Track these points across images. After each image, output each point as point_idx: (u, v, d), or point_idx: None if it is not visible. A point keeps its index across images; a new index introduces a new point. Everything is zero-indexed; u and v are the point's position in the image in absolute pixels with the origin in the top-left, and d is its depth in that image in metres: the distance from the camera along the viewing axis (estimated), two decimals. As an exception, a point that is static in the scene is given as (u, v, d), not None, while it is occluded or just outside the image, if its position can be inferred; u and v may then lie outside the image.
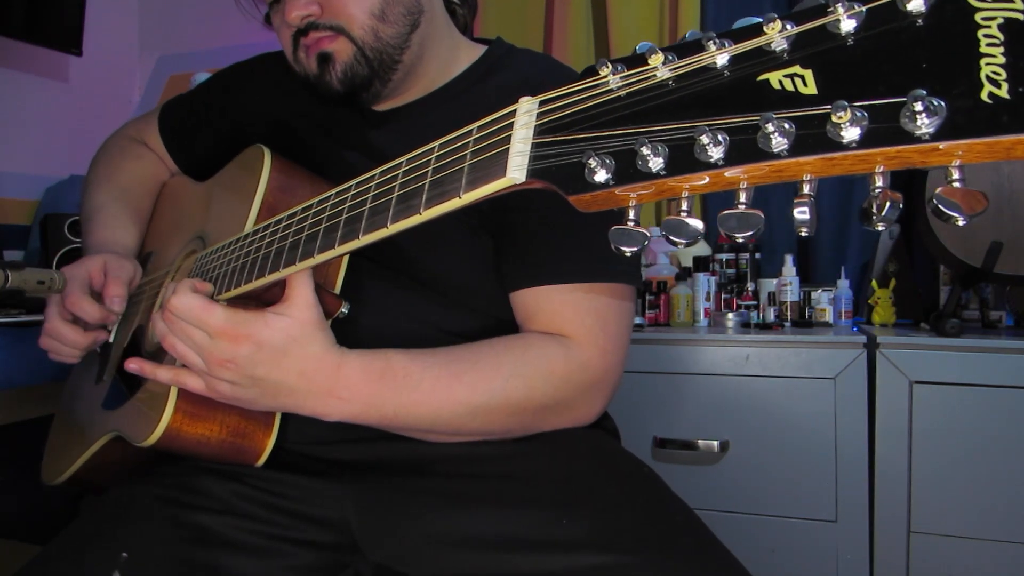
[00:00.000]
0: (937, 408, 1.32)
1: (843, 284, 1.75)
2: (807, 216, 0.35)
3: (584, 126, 0.43)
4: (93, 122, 2.26)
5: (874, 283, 1.72)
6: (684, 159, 0.37)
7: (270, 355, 0.71)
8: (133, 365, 0.78)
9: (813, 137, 0.33)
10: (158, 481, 0.84)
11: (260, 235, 0.74)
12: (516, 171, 0.45)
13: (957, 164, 0.31)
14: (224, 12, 1.53)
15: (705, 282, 1.78)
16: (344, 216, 0.61)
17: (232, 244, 0.78)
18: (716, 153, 0.35)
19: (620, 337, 0.84)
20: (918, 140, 0.30)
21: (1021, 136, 0.29)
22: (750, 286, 1.82)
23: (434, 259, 0.86)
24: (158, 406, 0.78)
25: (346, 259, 0.83)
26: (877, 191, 0.33)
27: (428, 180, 0.53)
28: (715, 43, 0.37)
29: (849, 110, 0.31)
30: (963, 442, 1.31)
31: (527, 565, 0.70)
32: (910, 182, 1.59)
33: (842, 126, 0.32)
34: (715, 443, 1.46)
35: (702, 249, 1.90)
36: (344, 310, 0.78)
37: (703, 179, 0.37)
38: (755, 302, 1.78)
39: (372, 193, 0.59)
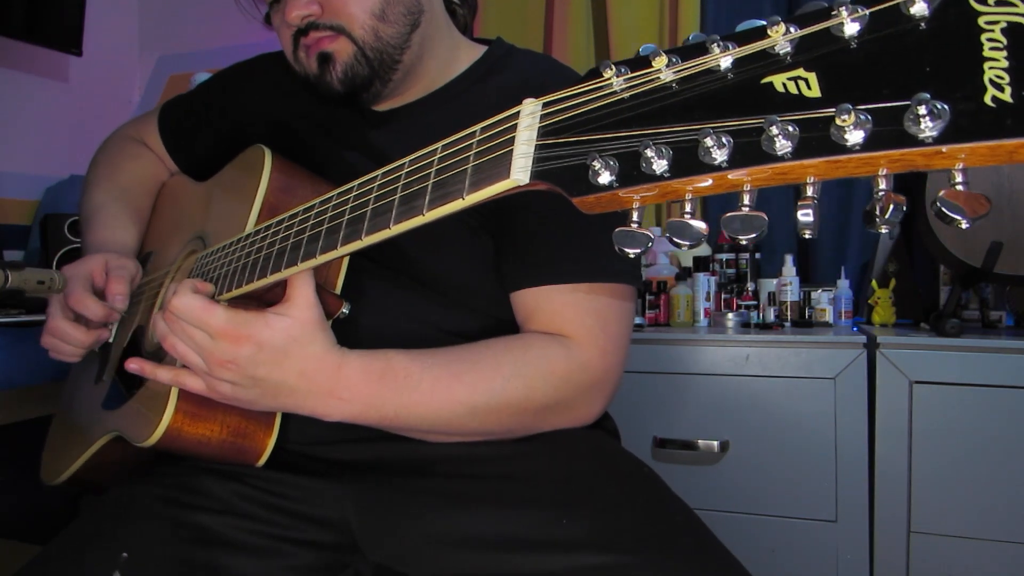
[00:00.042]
0: (937, 408, 1.33)
1: (843, 284, 1.75)
2: (811, 218, 0.35)
3: (588, 128, 0.43)
4: (93, 122, 2.26)
5: (874, 283, 1.72)
6: (688, 161, 0.37)
7: (271, 355, 0.71)
8: (133, 365, 0.78)
9: (817, 140, 0.33)
10: (158, 481, 0.84)
11: (261, 235, 0.74)
12: (520, 173, 0.46)
13: (960, 167, 0.31)
14: (224, 12, 1.53)
15: (705, 282, 1.78)
16: (346, 217, 0.61)
17: (233, 244, 0.78)
18: (720, 155, 0.36)
19: (620, 337, 0.84)
20: (922, 143, 0.31)
21: (1024, 140, 0.29)
22: (750, 286, 1.82)
23: (434, 259, 0.86)
24: (158, 406, 0.78)
25: (347, 259, 0.83)
26: (880, 194, 0.33)
27: (431, 181, 0.53)
28: (719, 46, 0.37)
29: (853, 113, 0.31)
30: (963, 442, 1.31)
31: (527, 565, 0.70)
32: (910, 182, 1.59)
33: (846, 129, 0.32)
34: (715, 443, 1.46)
35: (702, 249, 1.90)
36: (345, 310, 0.79)
37: (707, 181, 0.37)
38: (755, 302, 1.78)
39: (375, 194, 0.59)
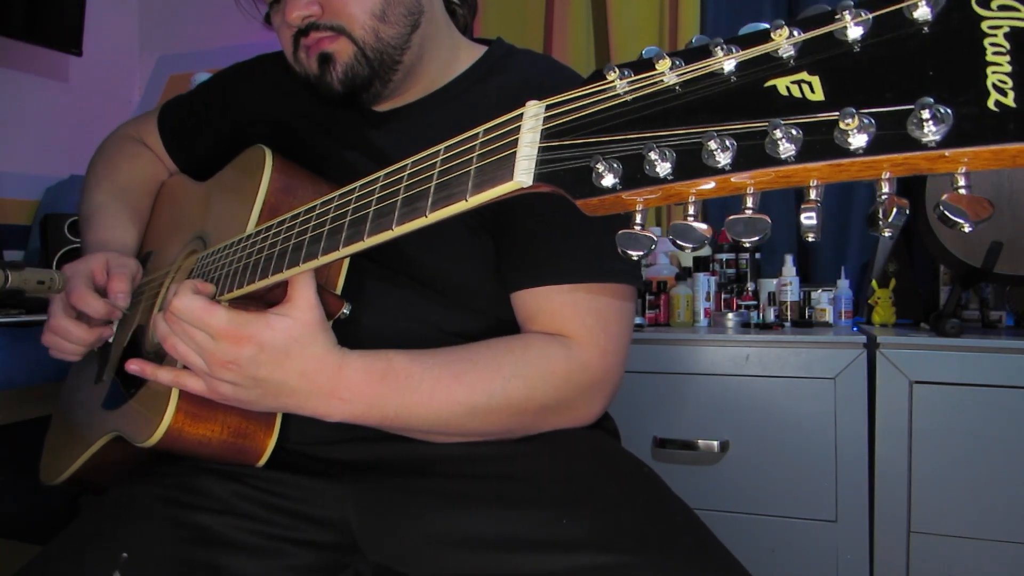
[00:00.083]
0: (937, 408, 1.33)
1: (843, 284, 1.75)
2: (814, 221, 0.35)
3: (591, 130, 0.43)
4: (93, 122, 2.26)
5: (874, 283, 1.73)
6: (692, 164, 0.37)
7: (272, 356, 0.71)
8: (134, 366, 0.78)
9: (821, 143, 0.33)
10: (158, 481, 0.84)
11: (263, 236, 0.74)
12: (523, 175, 0.46)
13: (963, 171, 0.31)
14: (224, 12, 1.54)
15: (705, 282, 1.79)
16: (348, 218, 0.61)
17: (234, 245, 0.78)
18: (724, 159, 0.36)
19: (621, 337, 0.84)
20: (925, 147, 0.31)
21: (1027, 144, 0.29)
22: (750, 286, 1.82)
23: (434, 259, 0.86)
24: (159, 406, 0.78)
25: (347, 260, 0.83)
26: (883, 197, 0.33)
27: (434, 183, 0.53)
28: (722, 49, 0.37)
29: (856, 117, 0.31)
30: (963, 442, 1.31)
31: (527, 565, 0.70)
32: (910, 182, 1.59)
33: (850, 133, 0.32)
34: (715, 443, 1.46)
35: (702, 249, 1.90)
36: (346, 311, 0.79)
37: (710, 184, 0.37)
38: (755, 302, 1.79)
39: (377, 195, 0.59)
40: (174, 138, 1.14)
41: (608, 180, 0.41)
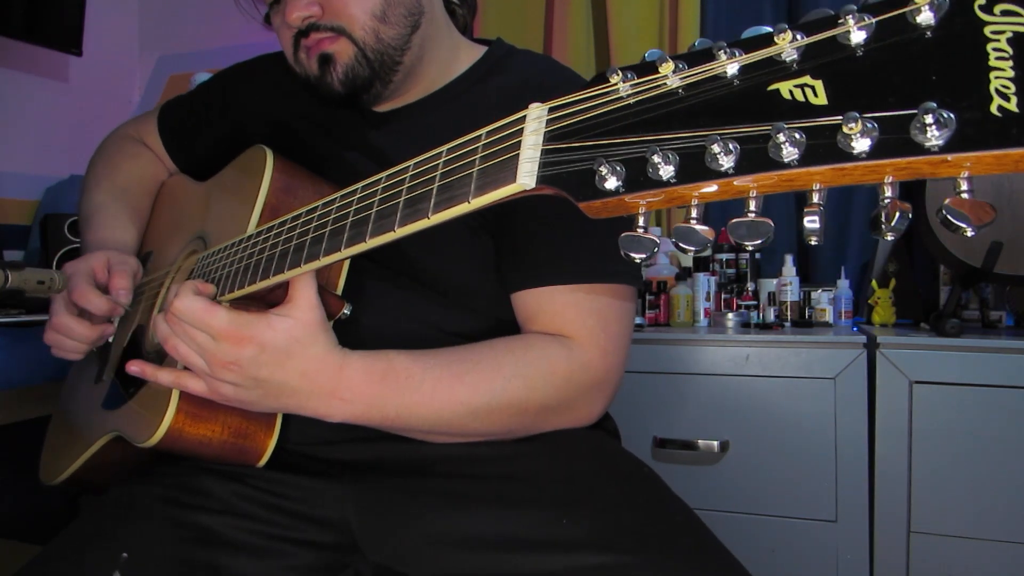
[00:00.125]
0: (937, 408, 1.33)
1: (843, 284, 1.76)
2: (817, 225, 0.35)
3: (594, 133, 0.43)
4: (93, 122, 2.26)
5: (874, 283, 1.73)
6: (695, 167, 0.37)
7: (273, 356, 0.71)
8: (134, 368, 0.77)
9: (824, 147, 0.33)
10: (158, 481, 0.84)
11: (264, 237, 0.74)
12: (526, 177, 0.46)
13: (966, 176, 0.31)
14: (224, 12, 1.54)
15: (705, 282, 1.79)
16: (350, 219, 0.62)
17: (235, 245, 0.78)
18: (727, 162, 0.36)
19: (621, 337, 0.84)
20: (928, 152, 0.31)
21: (1030, 150, 0.29)
22: (750, 286, 1.83)
23: (434, 259, 0.86)
24: (160, 407, 0.78)
25: (348, 261, 0.83)
26: (886, 201, 0.33)
27: (436, 185, 0.53)
28: (725, 52, 0.37)
29: (860, 121, 0.32)
30: (963, 442, 1.31)
31: (527, 565, 0.70)
32: (911, 183, 1.59)
33: (853, 137, 0.32)
34: (715, 443, 1.46)
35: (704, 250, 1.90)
36: (346, 311, 0.79)
37: (713, 187, 0.37)
38: (755, 302, 1.79)
39: (379, 196, 0.59)
40: (174, 138, 1.14)
41: (611, 183, 0.41)
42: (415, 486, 0.82)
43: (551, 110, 0.47)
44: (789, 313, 1.74)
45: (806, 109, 0.35)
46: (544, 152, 0.46)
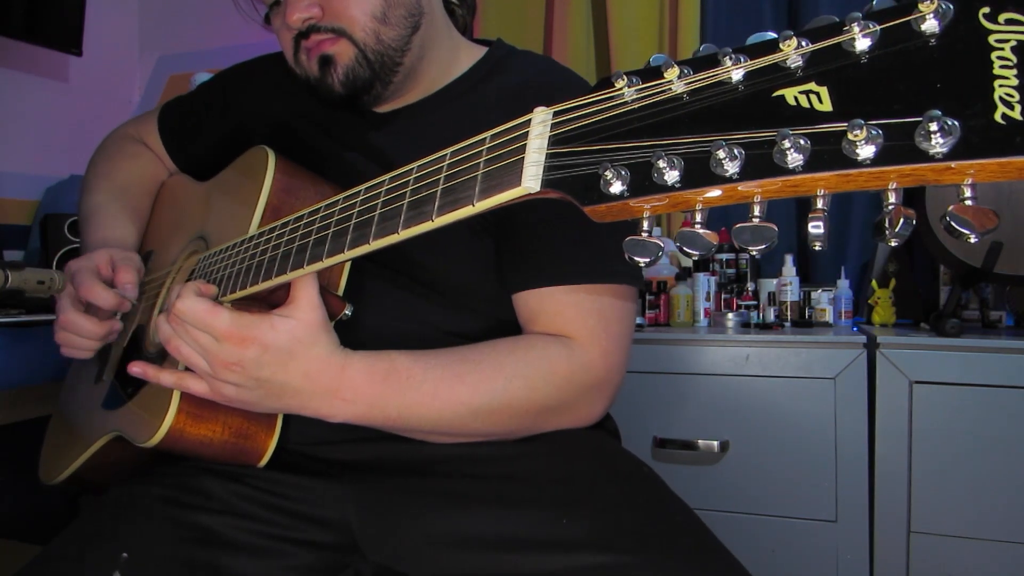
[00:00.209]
0: (937, 408, 1.33)
1: (843, 284, 1.76)
2: (822, 230, 0.35)
3: (599, 137, 0.43)
4: (93, 122, 2.26)
5: (874, 283, 1.73)
6: (700, 172, 0.37)
7: (276, 357, 0.71)
8: (136, 369, 0.77)
9: (829, 154, 0.33)
10: (158, 481, 0.84)
11: (266, 237, 0.74)
12: (531, 180, 0.46)
13: (969, 182, 0.32)
14: (224, 12, 1.53)
15: (705, 282, 1.79)
16: (353, 221, 0.62)
17: (237, 246, 0.79)
18: (732, 167, 0.36)
19: (622, 338, 0.84)
20: (932, 159, 0.31)
21: (1034, 157, 0.29)
22: (750, 286, 1.83)
23: (435, 260, 0.86)
24: (160, 407, 0.78)
25: (349, 262, 0.83)
26: (890, 207, 0.33)
27: (440, 187, 0.54)
28: (730, 58, 0.37)
29: (865, 128, 0.32)
30: (963, 442, 1.31)
31: (527, 565, 0.70)
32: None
33: (858, 143, 0.32)
34: (715, 443, 1.46)
35: (705, 252, 1.90)
36: (347, 312, 0.79)
37: (717, 192, 0.37)
38: (755, 302, 1.79)
39: (383, 199, 0.59)
40: (174, 138, 1.14)
41: (616, 187, 0.41)
42: (415, 486, 0.82)
43: (556, 114, 0.47)
44: (789, 313, 1.74)
45: (811, 115, 0.35)
46: (549, 156, 0.46)
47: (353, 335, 0.77)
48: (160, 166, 1.16)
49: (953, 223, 0.32)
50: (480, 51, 0.97)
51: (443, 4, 0.94)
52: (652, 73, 0.41)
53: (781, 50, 0.36)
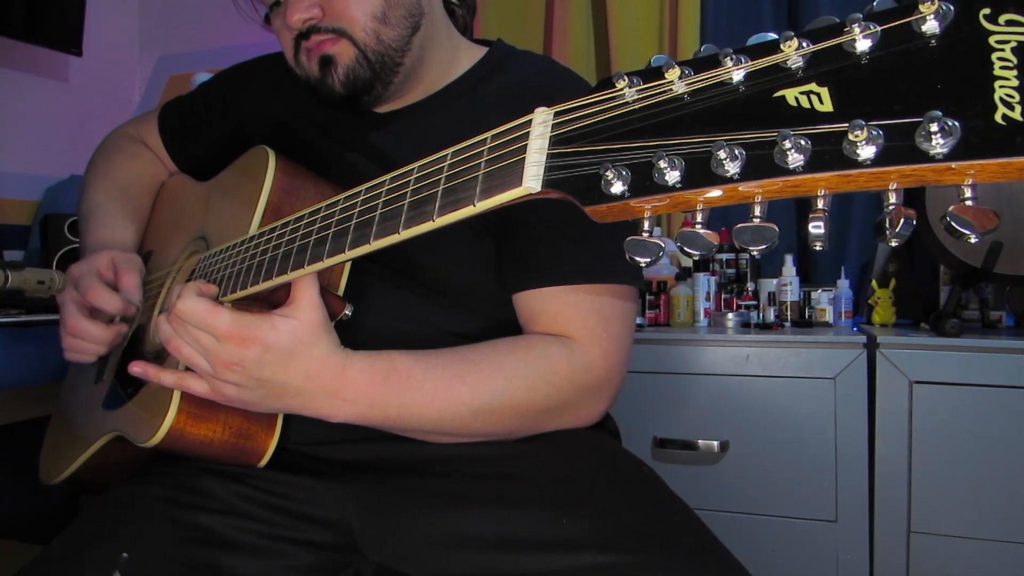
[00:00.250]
0: (937, 408, 1.33)
1: (843, 284, 1.76)
2: (822, 231, 0.35)
3: (600, 138, 0.43)
4: (93, 122, 2.26)
5: (874, 283, 1.73)
6: (701, 173, 0.38)
7: (277, 357, 0.71)
8: (137, 369, 0.77)
9: (829, 154, 0.34)
10: (159, 481, 0.84)
11: (267, 237, 0.74)
12: (532, 180, 0.46)
13: (970, 183, 0.32)
14: (224, 12, 1.53)
15: (705, 282, 1.79)
16: (354, 221, 0.62)
17: (237, 246, 0.79)
18: (732, 168, 0.36)
19: (623, 338, 0.84)
20: (932, 159, 0.31)
21: (1034, 158, 0.30)
22: (750, 286, 1.83)
23: (436, 261, 0.86)
24: (161, 407, 0.78)
25: (349, 263, 0.83)
26: (891, 208, 0.33)
27: (441, 187, 0.54)
28: (731, 59, 0.37)
29: (866, 128, 0.32)
30: (963, 442, 1.31)
31: (527, 565, 0.70)
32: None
33: (858, 144, 0.32)
34: (715, 443, 1.46)
35: (705, 252, 1.90)
36: (348, 312, 0.79)
37: (718, 192, 0.37)
38: (755, 302, 1.79)
39: (384, 199, 0.59)
40: (174, 138, 1.14)
41: (617, 187, 0.41)
42: (415, 486, 0.82)
43: (557, 114, 0.47)
44: (789, 313, 1.74)
45: (812, 116, 0.35)
46: (550, 156, 0.46)
47: (353, 335, 0.77)
48: (160, 166, 1.16)
49: (953, 223, 0.32)
50: (480, 51, 0.97)
51: (443, 4, 0.94)
52: (653, 73, 0.42)
53: (782, 51, 0.36)
